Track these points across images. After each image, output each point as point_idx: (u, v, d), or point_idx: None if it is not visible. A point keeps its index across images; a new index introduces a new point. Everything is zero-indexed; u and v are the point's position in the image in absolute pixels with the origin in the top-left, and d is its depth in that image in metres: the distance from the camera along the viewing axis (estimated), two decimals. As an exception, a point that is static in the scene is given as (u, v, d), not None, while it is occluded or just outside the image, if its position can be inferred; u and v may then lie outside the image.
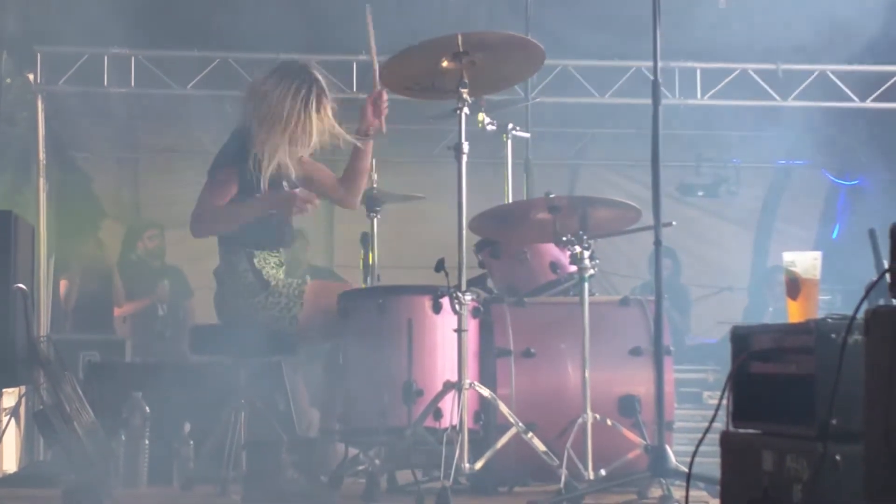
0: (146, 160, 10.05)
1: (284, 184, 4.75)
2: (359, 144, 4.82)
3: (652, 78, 4.34)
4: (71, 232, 8.71)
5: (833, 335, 2.49)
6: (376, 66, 4.74)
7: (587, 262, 4.36)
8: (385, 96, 4.81)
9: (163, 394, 4.94)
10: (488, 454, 4.16)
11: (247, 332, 4.59)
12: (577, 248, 4.38)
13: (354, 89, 7.97)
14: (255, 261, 4.70)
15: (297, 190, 4.72)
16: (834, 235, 9.83)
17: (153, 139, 9.72)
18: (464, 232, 4.28)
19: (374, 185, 5.19)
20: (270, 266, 4.72)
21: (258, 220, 4.68)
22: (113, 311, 8.72)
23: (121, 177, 10.01)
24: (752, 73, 8.24)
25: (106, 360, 7.25)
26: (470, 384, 4.18)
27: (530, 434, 4.21)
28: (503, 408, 4.27)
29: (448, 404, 4.19)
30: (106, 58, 7.84)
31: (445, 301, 4.28)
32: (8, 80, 7.71)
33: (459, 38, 4.21)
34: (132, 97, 8.32)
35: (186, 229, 4.74)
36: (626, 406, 4.51)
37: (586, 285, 4.36)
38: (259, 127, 4.62)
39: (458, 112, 4.27)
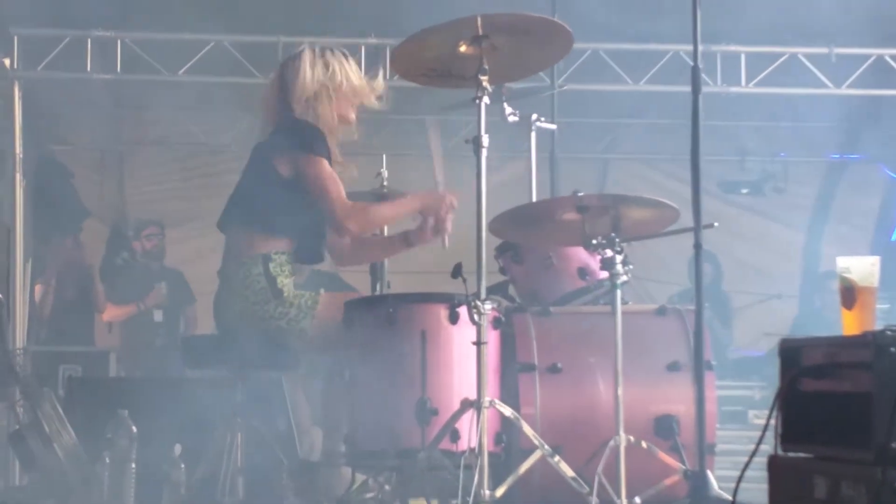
0: (133, 153, 10.09)
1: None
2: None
3: (692, 63, 4.35)
4: (50, 232, 8.73)
5: (892, 349, 2.49)
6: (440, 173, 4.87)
7: (619, 267, 4.37)
8: (454, 203, 4.83)
9: (151, 412, 4.95)
10: (510, 480, 4.15)
11: (246, 343, 4.59)
12: (609, 252, 4.38)
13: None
14: (272, 265, 4.65)
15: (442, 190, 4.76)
16: (893, 238, 9.81)
17: (140, 130, 9.76)
18: (483, 234, 4.29)
19: (385, 183, 5.20)
20: (285, 275, 4.68)
21: (307, 227, 4.75)
22: (94, 320, 8.74)
23: (105, 171, 10.05)
24: (802, 57, 8.23)
25: (88, 374, 7.29)
26: (490, 402, 4.18)
27: (557, 458, 4.21)
28: (527, 429, 4.27)
29: (466, 425, 4.18)
30: (89, 41, 7.86)
31: (463, 310, 4.28)
32: (-19, 66, 7.76)
33: (479, 19, 4.21)
34: (117, 84, 8.35)
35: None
36: (664, 427, 4.51)
37: (619, 293, 4.35)
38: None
39: (477, 101, 4.27)
